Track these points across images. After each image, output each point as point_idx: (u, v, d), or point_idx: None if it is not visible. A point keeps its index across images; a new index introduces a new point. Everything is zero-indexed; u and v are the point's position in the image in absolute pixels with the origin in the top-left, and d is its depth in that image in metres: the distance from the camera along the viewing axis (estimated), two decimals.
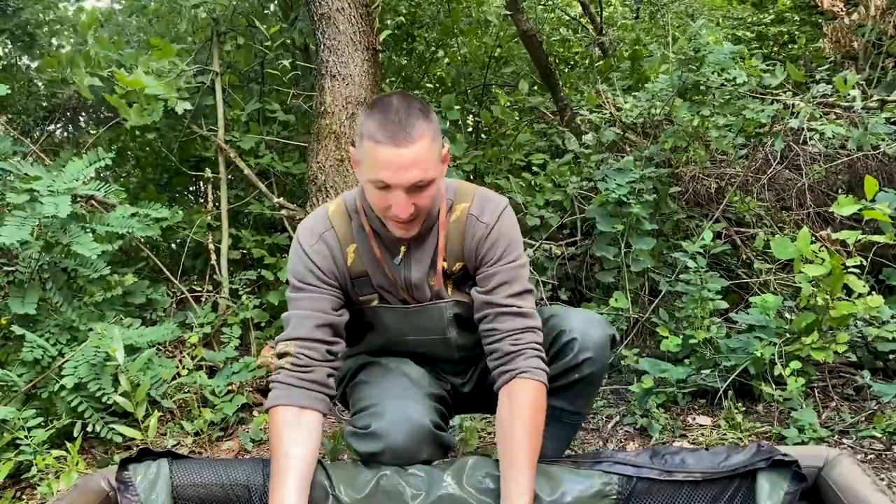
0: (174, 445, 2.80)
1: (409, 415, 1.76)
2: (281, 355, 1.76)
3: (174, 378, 2.98)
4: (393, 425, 1.74)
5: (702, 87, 3.53)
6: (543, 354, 1.77)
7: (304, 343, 1.75)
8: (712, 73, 3.44)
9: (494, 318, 1.78)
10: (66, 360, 2.70)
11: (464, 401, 2.13)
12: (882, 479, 2.27)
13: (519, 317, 1.77)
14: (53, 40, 4.58)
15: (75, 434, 2.58)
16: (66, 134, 5.34)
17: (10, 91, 3.09)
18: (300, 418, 1.69)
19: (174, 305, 3.67)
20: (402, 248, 1.83)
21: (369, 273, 1.85)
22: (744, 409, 2.77)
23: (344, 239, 1.83)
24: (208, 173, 4.11)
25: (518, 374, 1.71)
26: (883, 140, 3.27)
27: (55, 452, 2.51)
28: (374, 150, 1.59)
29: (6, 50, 4.49)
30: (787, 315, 2.96)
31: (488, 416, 2.95)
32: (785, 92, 3.65)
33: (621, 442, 2.76)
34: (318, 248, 1.81)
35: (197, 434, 2.87)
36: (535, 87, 5.37)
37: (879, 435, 2.57)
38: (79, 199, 3.17)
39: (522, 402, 1.68)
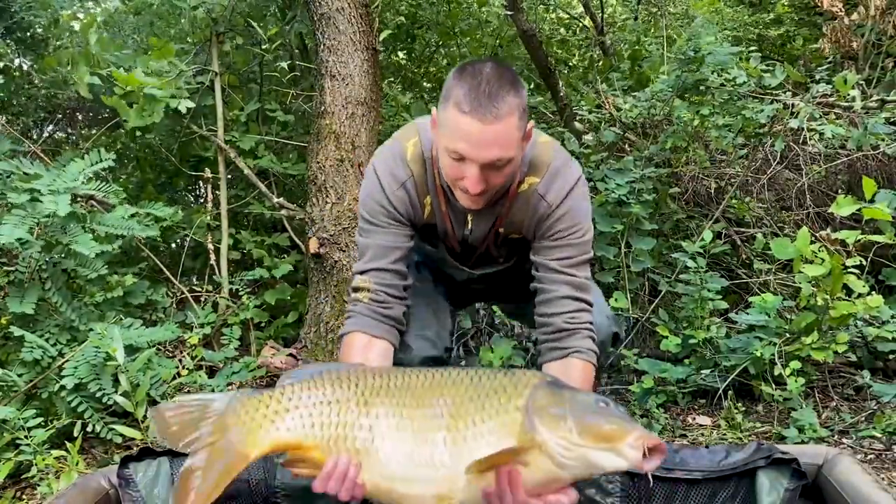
0: None
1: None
2: (357, 289, 1.78)
3: (174, 378, 2.98)
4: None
5: (701, 88, 3.53)
6: (595, 334, 1.77)
7: (384, 276, 1.78)
8: (712, 73, 3.45)
9: (551, 282, 1.77)
10: (66, 361, 2.69)
11: (474, 294, 2.24)
12: (882, 479, 2.27)
13: (575, 287, 1.76)
14: (55, 42, 4.57)
15: (75, 434, 2.57)
16: (64, 135, 5.33)
17: (10, 86, 3.10)
18: (372, 345, 1.73)
19: (174, 305, 3.67)
20: (470, 217, 1.82)
21: (437, 223, 1.86)
22: (744, 409, 2.77)
23: (422, 189, 1.81)
24: (208, 173, 4.11)
25: (571, 354, 1.71)
26: (882, 140, 3.27)
27: (55, 452, 2.51)
28: (457, 120, 1.53)
29: (6, 50, 4.48)
30: (787, 315, 2.96)
31: None
32: (785, 92, 3.65)
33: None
34: (400, 195, 1.79)
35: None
36: (536, 87, 5.38)
37: (879, 435, 2.58)
38: (78, 198, 3.17)
39: (575, 382, 1.64)
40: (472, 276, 2.01)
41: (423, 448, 1.46)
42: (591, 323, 1.76)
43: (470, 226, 1.84)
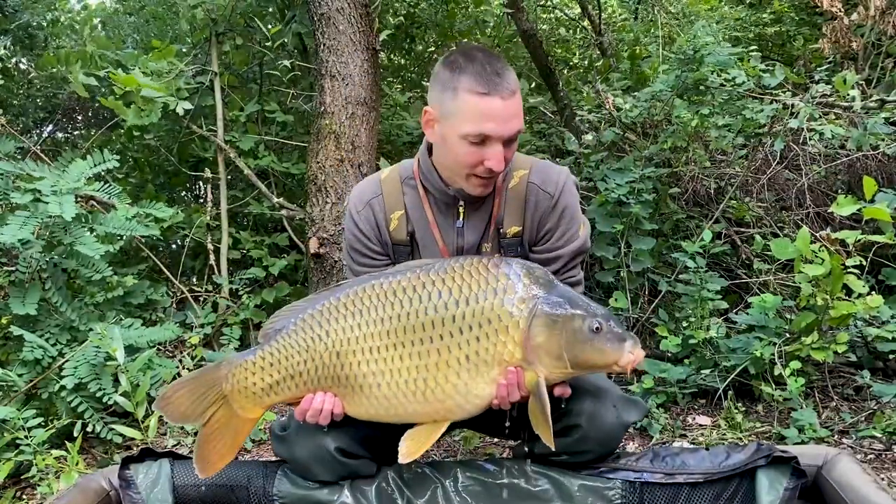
0: (174, 445, 2.80)
1: (314, 436, 1.72)
2: None
3: (174, 378, 2.98)
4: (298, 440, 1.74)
5: (701, 88, 3.53)
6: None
7: None
8: (711, 72, 3.44)
9: None
10: (66, 361, 2.69)
11: None
12: (882, 479, 2.27)
13: (573, 286, 1.79)
14: (53, 41, 4.58)
15: (75, 434, 2.57)
16: (63, 135, 5.33)
17: (3, 83, 3.10)
18: None
19: (174, 305, 3.67)
20: (461, 211, 1.80)
21: (418, 238, 1.83)
22: (744, 409, 2.77)
23: (391, 205, 1.84)
24: (207, 174, 4.10)
25: None
26: (882, 140, 3.27)
27: (55, 452, 2.51)
28: (478, 103, 1.59)
29: (6, 51, 4.48)
30: (787, 315, 2.96)
31: None
32: (784, 92, 3.65)
33: (621, 442, 2.76)
34: (364, 213, 1.84)
35: (197, 434, 2.86)
36: (536, 87, 5.37)
37: (879, 435, 2.58)
38: (79, 199, 3.17)
39: None
40: None
41: (411, 387, 1.54)
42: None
43: (461, 219, 1.80)
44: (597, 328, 1.49)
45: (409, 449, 1.55)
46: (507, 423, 1.76)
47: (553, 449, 1.52)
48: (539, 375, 1.50)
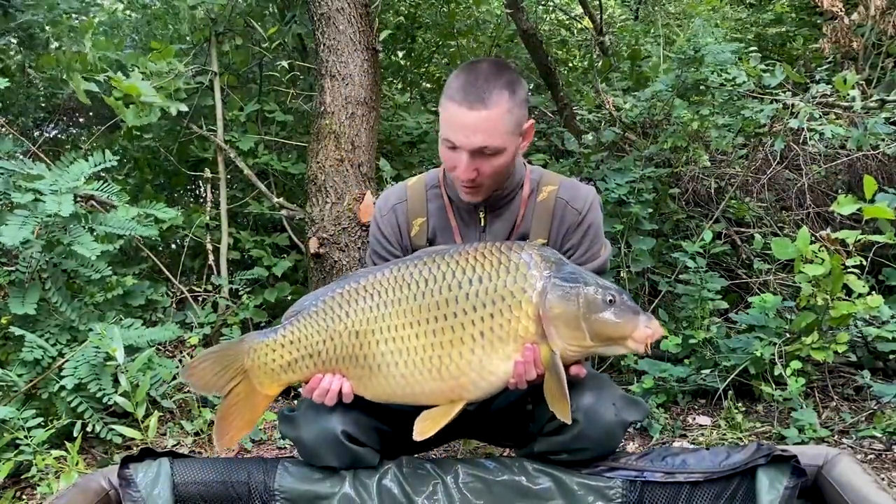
0: (174, 445, 2.80)
1: (322, 419, 1.71)
2: None
3: (174, 378, 2.98)
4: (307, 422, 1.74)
5: (701, 87, 3.53)
6: None
7: None
8: (712, 72, 3.44)
9: None
10: (66, 361, 2.69)
11: (466, 424, 1.92)
12: (882, 479, 2.27)
13: None
14: (54, 42, 4.56)
15: (75, 434, 2.57)
16: (64, 136, 5.32)
17: (9, 84, 3.10)
18: None
19: (174, 305, 3.67)
20: (482, 217, 1.85)
21: (438, 244, 1.86)
22: (744, 409, 2.77)
23: (414, 211, 1.89)
24: (207, 174, 4.10)
25: None
26: (882, 140, 3.27)
27: (55, 452, 2.51)
28: (448, 109, 1.66)
29: (8, 52, 4.48)
30: (787, 315, 2.96)
31: None
32: (784, 92, 3.65)
33: (622, 442, 2.76)
34: (388, 217, 1.91)
35: (197, 434, 2.86)
36: (536, 87, 5.37)
37: (879, 435, 2.58)
38: (79, 199, 3.17)
39: None
40: None
41: (427, 364, 1.57)
42: None
43: (483, 224, 1.85)
44: (611, 300, 1.52)
45: (423, 427, 1.59)
46: (529, 406, 1.78)
47: (570, 423, 1.55)
48: (555, 350, 1.53)
